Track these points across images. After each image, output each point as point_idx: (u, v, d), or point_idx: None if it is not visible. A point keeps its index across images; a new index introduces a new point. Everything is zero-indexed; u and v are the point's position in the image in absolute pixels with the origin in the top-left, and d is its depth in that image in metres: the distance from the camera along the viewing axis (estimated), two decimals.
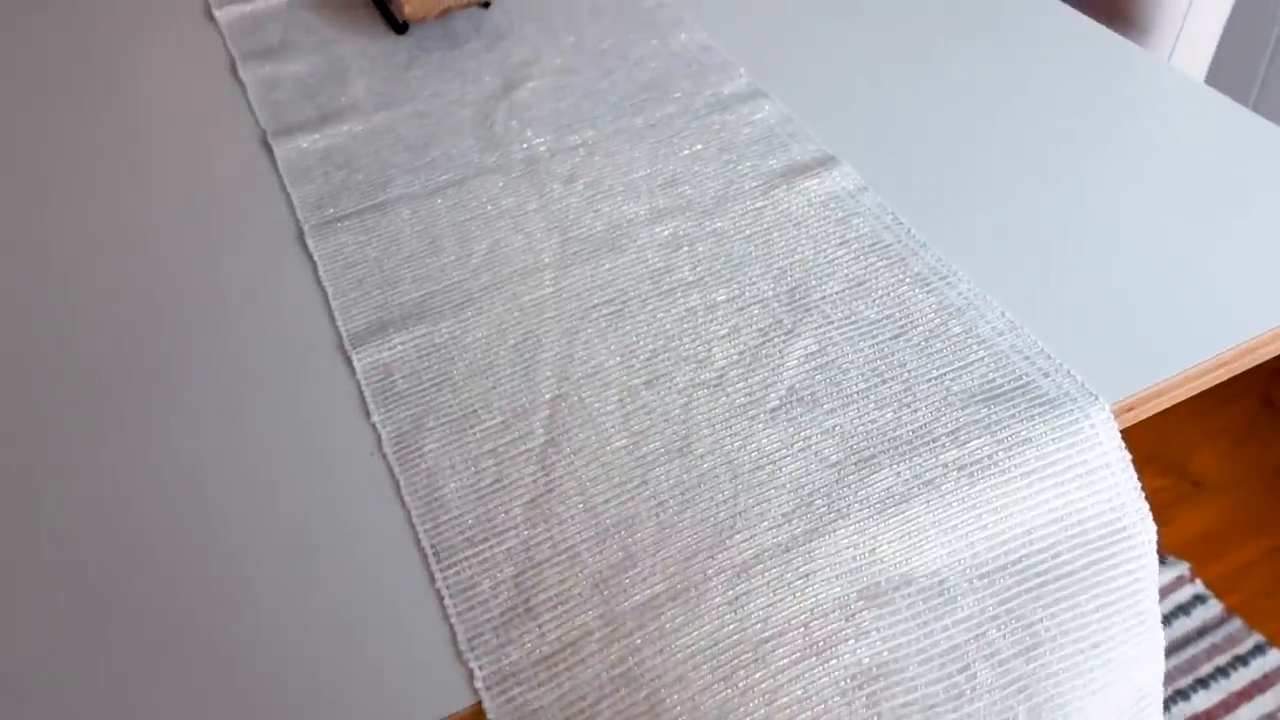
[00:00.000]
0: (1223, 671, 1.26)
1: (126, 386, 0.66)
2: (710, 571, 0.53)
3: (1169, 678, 1.25)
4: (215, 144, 0.84)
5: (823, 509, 0.55)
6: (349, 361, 0.66)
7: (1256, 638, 1.27)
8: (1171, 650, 1.27)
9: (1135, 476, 0.58)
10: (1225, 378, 0.60)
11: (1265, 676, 1.25)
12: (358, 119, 0.84)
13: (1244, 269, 0.64)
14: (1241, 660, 1.26)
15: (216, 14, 0.99)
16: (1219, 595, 1.31)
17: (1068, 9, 0.87)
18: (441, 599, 0.54)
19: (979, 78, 0.82)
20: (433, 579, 0.55)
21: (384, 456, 0.61)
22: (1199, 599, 1.32)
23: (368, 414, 0.63)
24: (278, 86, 0.89)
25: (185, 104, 0.89)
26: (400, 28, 0.92)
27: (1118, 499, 0.58)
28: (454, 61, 0.89)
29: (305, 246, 0.74)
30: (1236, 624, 1.29)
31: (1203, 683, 1.25)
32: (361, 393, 0.64)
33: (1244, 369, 0.60)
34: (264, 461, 0.61)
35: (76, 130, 0.87)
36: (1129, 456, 0.58)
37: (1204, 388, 0.60)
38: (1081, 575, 0.57)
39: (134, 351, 0.68)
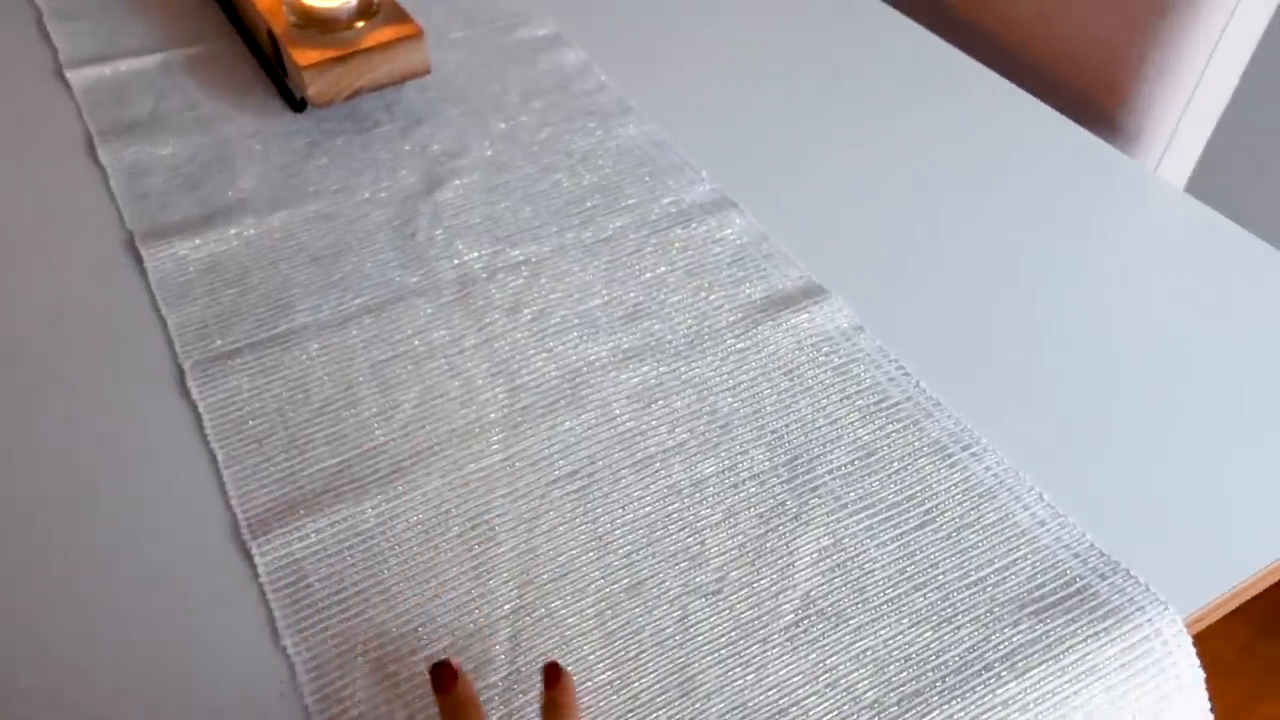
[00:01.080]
0: None
1: None
2: None
3: None
4: (67, 247, 0.69)
5: None
6: (248, 555, 0.52)
7: None
8: None
9: (1207, 698, 0.50)
10: None
11: None
12: (249, 219, 0.70)
13: None
14: None
15: (69, 75, 0.83)
16: None
17: (1060, 117, 0.80)
18: None
19: (973, 193, 0.73)
20: None
21: (300, 698, 0.47)
22: None
23: (277, 637, 0.49)
24: (148, 174, 0.74)
25: (29, 192, 0.73)
26: (298, 105, 0.79)
27: None
28: (363, 149, 0.76)
29: (186, 392, 0.60)
30: None
31: None
32: (268, 605, 0.51)
33: None
34: (151, 694, 0.47)
35: None
36: (1203, 676, 0.49)
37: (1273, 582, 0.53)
38: None
39: None
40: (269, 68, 0.82)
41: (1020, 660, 0.48)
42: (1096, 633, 0.48)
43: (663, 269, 0.67)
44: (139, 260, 0.68)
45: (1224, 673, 1.25)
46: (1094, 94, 0.84)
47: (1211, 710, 0.50)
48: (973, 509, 0.54)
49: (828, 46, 0.87)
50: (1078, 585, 0.50)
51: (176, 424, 0.59)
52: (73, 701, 0.47)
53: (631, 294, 0.65)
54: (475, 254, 0.68)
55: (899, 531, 0.53)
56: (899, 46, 0.88)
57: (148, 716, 0.47)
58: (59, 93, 0.82)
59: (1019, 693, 0.46)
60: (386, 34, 0.74)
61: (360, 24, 0.74)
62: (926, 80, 0.84)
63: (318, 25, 0.74)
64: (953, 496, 0.54)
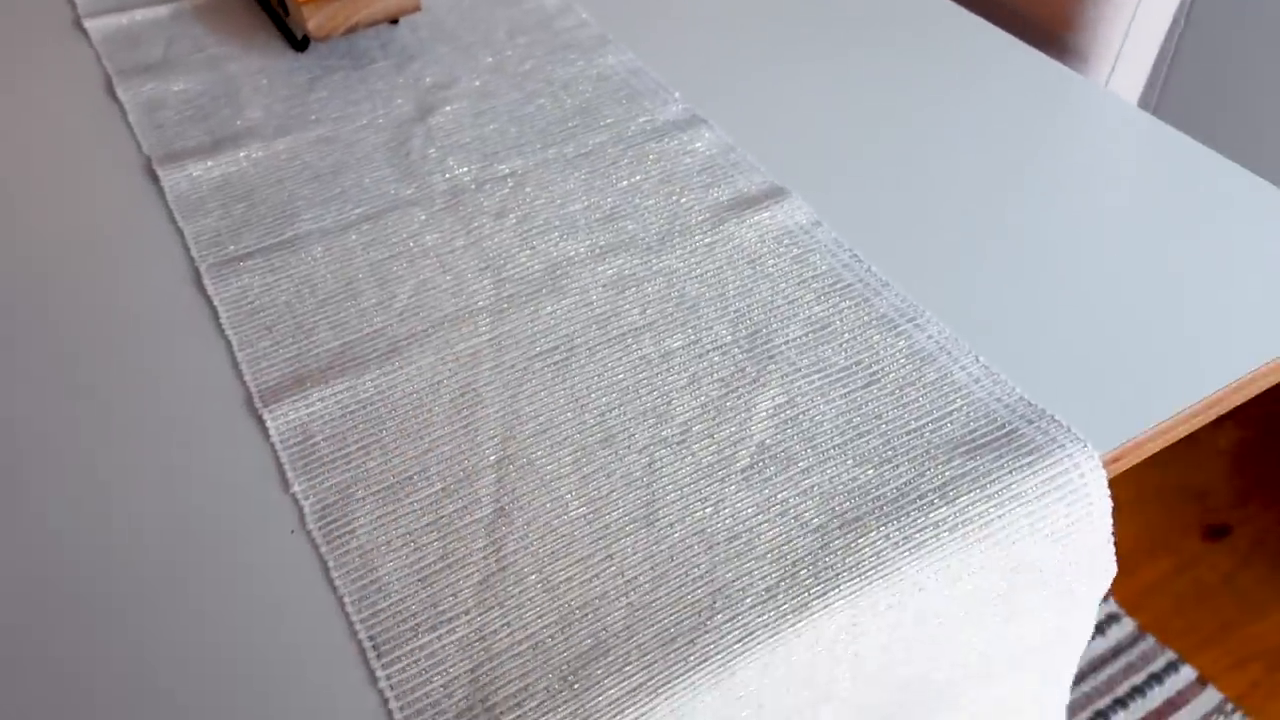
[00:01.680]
0: (1139, 690, 1.26)
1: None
2: (693, 659, 0.47)
3: (1089, 698, 1.25)
4: (91, 174, 0.75)
5: (809, 580, 0.50)
6: (260, 422, 0.58)
7: (1169, 655, 1.28)
8: (1089, 670, 1.27)
9: (1111, 529, 0.55)
10: (1213, 418, 0.58)
11: (1179, 694, 1.26)
12: (256, 144, 0.76)
13: (1222, 302, 0.62)
14: (1157, 678, 1.27)
15: (87, 25, 0.89)
16: (1130, 614, 1.32)
17: (1012, 38, 0.85)
18: (385, 700, 0.47)
19: (926, 108, 0.79)
20: (373, 677, 0.48)
21: (307, 533, 0.53)
22: (1113, 618, 1.33)
23: (286, 484, 0.55)
24: (162, 108, 0.80)
25: (54, 128, 0.79)
26: (300, 44, 0.84)
27: (1091, 551, 0.56)
28: (361, 82, 0.82)
29: (203, 290, 0.66)
30: (1149, 642, 1.30)
31: (1121, 703, 1.25)
32: (278, 459, 0.56)
33: (1229, 408, 0.58)
34: (165, 540, 0.53)
35: None
36: (1110, 507, 0.55)
37: (1187, 432, 0.58)
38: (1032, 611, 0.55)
39: (10, 416, 0.59)
40: (270, 10, 0.88)
41: (951, 490, 0.53)
42: (1020, 466, 0.54)
43: (638, 178, 0.73)
44: (156, 181, 0.74)
45: (1209, 596, 1.32)
46: (1040, 17, 0.89)
47: (1114, 542, 0.55)
48: (914, 370, 0.59)
49: None
50: (1007, 429, 0.56)
51: (196, 316, 0.64)
52: (100, 546, 0.53)
53: (609, 200, 0.71)
54: (465, 169, 0.74)
55: (847, 390, 0.58)
56: None
57: (167, 557, 0.52)
58: (79, 41, 0.88)
59: (949, 515, 0.52)
60: None
61: None
62: (879, 5, 0.89)
63: None
64: (897, 361, 0.60)
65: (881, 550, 0.51)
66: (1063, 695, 0.66)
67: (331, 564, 0.51)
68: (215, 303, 0.65)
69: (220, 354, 0.62)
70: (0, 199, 0.73)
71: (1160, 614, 1.33)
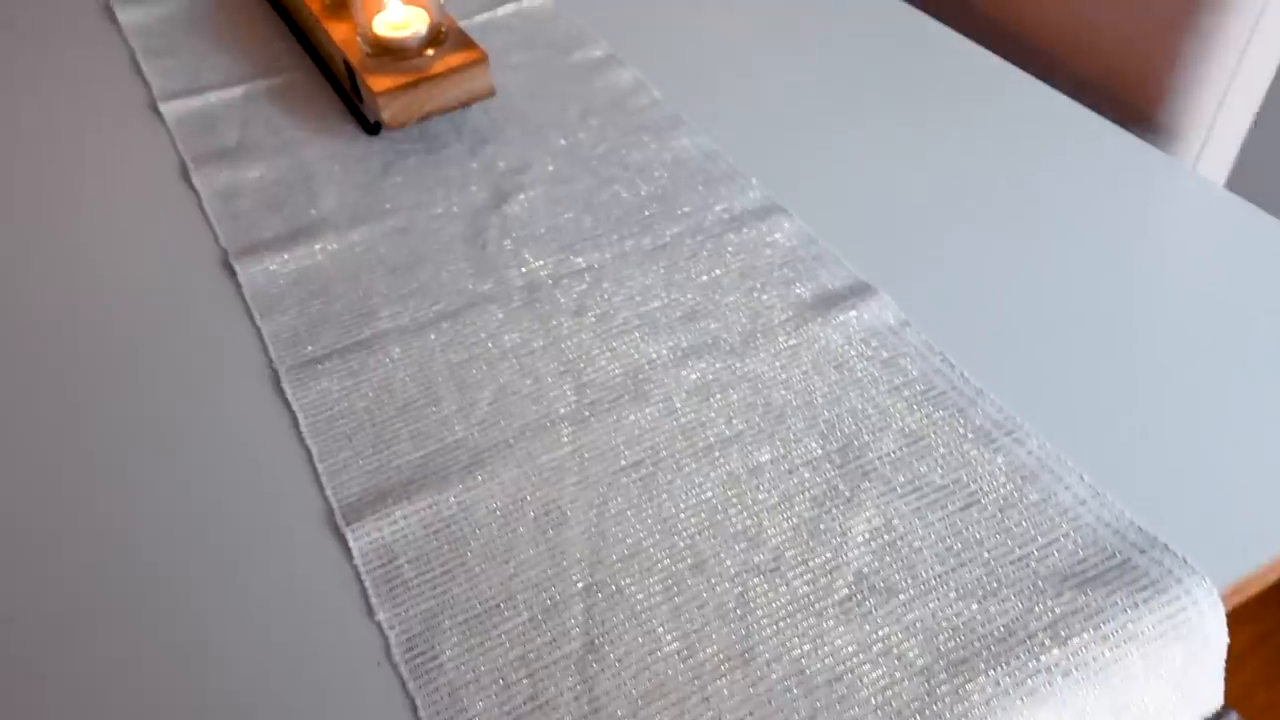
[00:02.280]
0: None
1: (71, 568, 0.56)
2: None
3: None
4: (169, 264, 0.75)
5: None
6: (342, 540, 0.57)
7: None
8: None
9: (1224, 663, 0.52)
10: None
11: None
12: (332, 236, 0.76)
13: None
14: None
15: (162, 109, 0.89)
16: None
17: (1098, 117, 0.82)
18: None
19: (1012, 190, 0.76)
20: None
21: (393, 666, 0.52)
22: None
23: (370, 610, 0.54)
24: (237, 196, 0.80)
25: (131, 215, 0.79)
26: (372, 128, 0.84)
27: (1204, 687, 0.53)
28: (434, 168, 0.81)
29: (281, 393, 0.65)
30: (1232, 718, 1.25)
31: None
32: (361, 582, 0.55)
33: None
34: (244, 667, 0.52)
35: (3, 247, 0.77)
36: (1226, 644, 0.52)
37: None
38: None
39: (83, 525, 0.58)
40: (344, 95, 0.88)
41: (1062, 629, 0.51)
42: (1135, 603, 0.51)
43: (717, 272, 0.71)
44: (233, 275, 0.74)
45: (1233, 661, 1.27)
46: (1127, 92, 0.87)
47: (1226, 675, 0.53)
48: (1016, 490, 0.57)
49: (864, 55, 0.91)
50: (1118, 559, 0.53)
51: (275, 422, 0.64)
52: (178, 674, 0.52)
53: (689, 296, 0.69)
54: (541, 262, 0.73)
55: (946, 512, 0.56)
56: (933, 51, 0.91)
57: (252, 687, 0.51)
58: (154, 124, 0.88)
59: (1060, 659, 0.50)
60: (454, 60, 0.79)
61: (429, 51, 0.80)
62: (961, 83, 0.87)
63: (390, 54, 0.79)
64: (996, 479, 0.57)
65: (991, 697, 0.48)
66: None
67: (420, 702, 0.50)
68: (294, 408, 0.64)
69: (300, 464, 0.61)
70: (80, 289, 0.73)
71: (1247, 686, 1.29)
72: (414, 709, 0.50)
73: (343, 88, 0.88)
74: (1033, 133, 0.82)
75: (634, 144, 0.82)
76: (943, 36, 0.93)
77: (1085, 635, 0.50)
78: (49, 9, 1.04)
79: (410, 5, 0.80)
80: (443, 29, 0.81)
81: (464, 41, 0.81)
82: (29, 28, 1.02)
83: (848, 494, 0.57)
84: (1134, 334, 0.65)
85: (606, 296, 0.70)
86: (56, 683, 0.52)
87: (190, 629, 0.54)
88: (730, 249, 0.73)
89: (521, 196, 0.78)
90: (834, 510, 0.57)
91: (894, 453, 0.59)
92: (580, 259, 0.73)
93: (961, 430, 0.60)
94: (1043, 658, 0.50)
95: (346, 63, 0.81)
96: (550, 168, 0.81)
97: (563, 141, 0.83)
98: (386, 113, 0.78)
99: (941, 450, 0.59)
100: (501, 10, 0.99)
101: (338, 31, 0.83)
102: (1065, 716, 0.49)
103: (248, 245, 0.75)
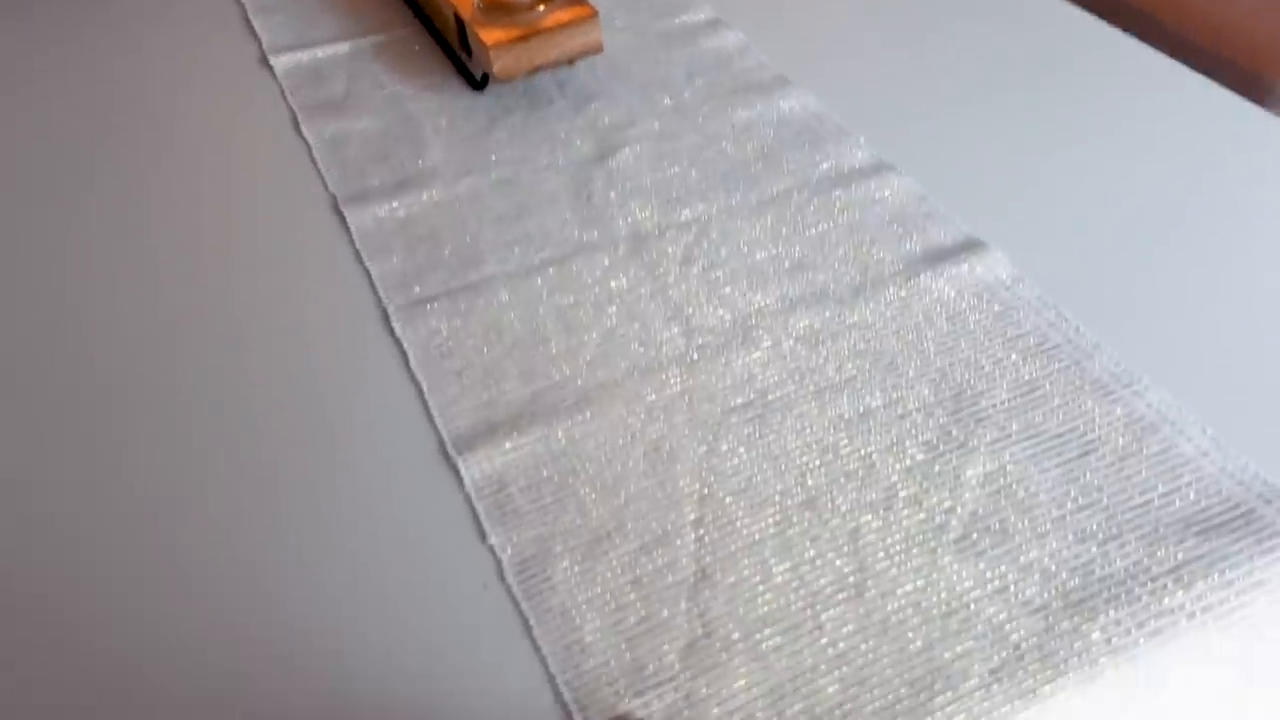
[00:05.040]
0: None
1: (198, 486, 0.58)
2: None
3: None
4: (281, 209, 0.77)
5: (1035, 664, 0.47)
6: (454, 470, 0.58)
7: None
8: None
9: None
10: None
11: None
12: (439, 186, 0.77)
13: None
14: None
15: (273, 61, 0.91)
16: None
17: (1210, 81, 0.81)
18: None
19: (1129, 152, 0.75)
20: None
21: (506, 588, 0.52)
22: None
23: (483, 535, 0.55)
24: (345, 145, 0.82)
25: (244, 162, 0.81)
26: (479, 84, 0.85)
27: None
28: (539, 124, 0.82)
29: (391, 331, 0.66)
30: None
31: None
32: (473, 509, 0.56)
33: None
34: (358, 591, 0.53)
35: (122, 192, 0.79)
36: None
37: None
38: None
39: (196, 449, 0.60)
40: (450, 52, 0.89)
41: (1186, 574, 0.50)
42: (1263, 550, 0.50)
43: (825, 226, 0.71)
44: (343, 220, 0.75)
45: None
46: (1250, 62, 0.85)
47: None
48: (1135, 441, 0.56)
49: (980, 21, 0.90)
50: (1242, 509, 0.52)
51: (385, 359, 0.65)
52: (284, 599, 0.53)
53: (796, 249, 0.69)
54: (647, 214, 0.73)
55: (1062, 459, 0.55)
56: (1045, 17, 0.90)
57: (358, 611, 0.52)
58: (266, 77, 0.90)
59: (1185, 601, 0.49)
60: (564, 15, 0.80)
61: (540, 7, 0.81)
62: (1074, 47, 0.86)
63: (501, 8, 0.80)
64: (1115, 429, 0.56)
65: (1112, 637, 0.48)
66: None
67: (533, 621, 0.51)
68: (404, 345, 0.65)
69: (410, 398, 0.62)
70: (198, 232, 0.75)
71: None
72: (528, 628, 0.51)
73: (449, 44, 0.89)
74: (1146, 96, 0.80)
75: (740, 103, 0.82)
76: (1065, 9, 0.92)
77: (1210, 580, 0.49)
78: None
79: None
80: None
81: None
82: None
83: (961, 439, 0.57)
84: (1257, 291, 0.64)
85: (713, 247, 0.70)
86: (177, 600, 0.53)
87: (306, 554, 0.55)
88: (838, 205, 0.72)
89: (626, 151, 0.79)
90: (947, 454, 0.56)
91: (1008, 402, 0.58)
92: (686, 211, 0.73)
93: (1078, 382, 0.59)
94: (1166, 600, 0.49)
95: (457, 16, 0.82)
96: (655, 125, 0.81)
97: (667, 100, 0.84)
98: (497, 65, 0.79)
99: (1057, 400, 0.58)
100: None
101: None
102: (1190, 659, 0.48)
103: (356, 192, 0.77)
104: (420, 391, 0.63)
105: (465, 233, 0.73)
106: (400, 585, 0.53)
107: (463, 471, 0.57)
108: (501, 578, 0.53)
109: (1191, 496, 0.53)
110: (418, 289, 0.69)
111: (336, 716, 0.48)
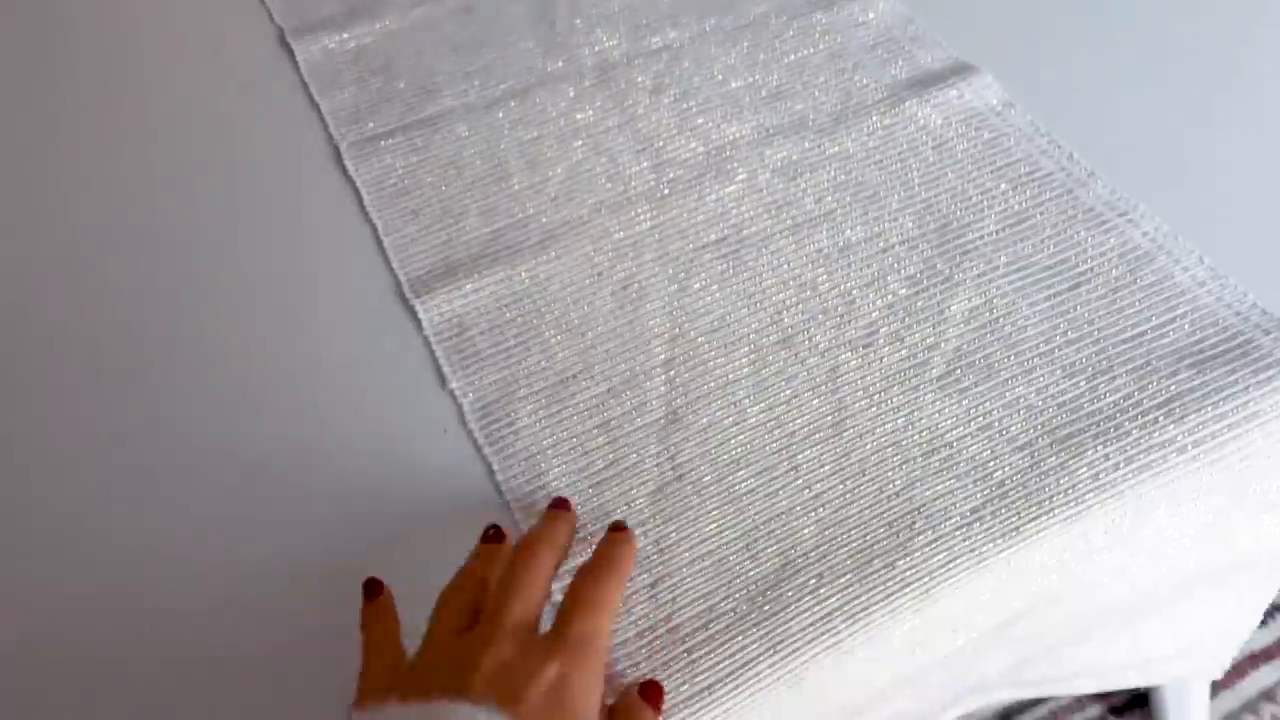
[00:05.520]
0: None
1: (133, 347, 0.54)
2: (892, 584, 0.43)
3: None
4: (223, 44, 0.71)
5: (1020, 501, 0.45)
6: (412, 313, 0.55)
7: None
8: None
9: None
10: None
11: None
12: (392, 14, 0.71)
13: None
14: None
15: None
16: None
17: None
18: None
19: None
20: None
21: (468, 433, 0.50)
22: None
23: (443, 380, 0.52)
24: None
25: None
26: None
27: None
28: None
29: (344, 169, 0.62)
30: None
31: None
32: (432, 353, 0.53)
33: None
34: (317, 443, 0.50)
35: (62, 28, 0.73)
36: None
37: None
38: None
39: (140, 311, 0.57)
40: None
41: (1178, 407, 0.47)
42: (1259, 381, 0.48)
43: (806, 52, 0.66)
44: (290, 53, 0.70)
45: None
46: None
47: None
48: (1129, 271, 0.53)
49: None
50: (1240, 340, 0.50)
51: (337, 200, 0.61)
52: (241, 444, 0.51)
53: (774, 77, 0.65)
54: (615, 41, 0.68)
55: (1052, 292, 0.52)
56: None
57: (319, 462, 0.50)
58: None
59: (1176, 435, 0.46)
60: None
61: None
62: None
63: None
64: (1108, 260, 0.53)
65: (1100, 472, 0.46)
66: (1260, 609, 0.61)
67: (496, 466, 0.48)
68: (357, 184, 0.61)
69: (365, 240, 0.59)
70: (132, 71, 0.70)
71: None
72: (491, 473, 0.48)
73: None
74: None
75: None
76: None
77: (1203, 413, 0.47)
78: None
79: None
80: None
81: None
82: None
83: (946, 272, 0.54)
84: (1258, 116, 0.60)
85: (685, 76, 0.65)
86: (126, 433, 0.51)
87: (262, 401, 0.52)
88: (819, 29, 0.68)
89: None
90: (931, 288, 0.53)
91: (996, 233, 0.55)
92: (657, 38, 0.68)
93: (1070, 212, 0.56)
94: (1156, 435, 0.47)
95: None
96: None
97: None
98: None
99: (1048, 231, 0.55)
100: None
101: None
102: (1180, 495, 0.46)
103: (304, 23, 0.71)
104: (375, 232, 0.59)
105: (421, 64, 0.68)
106: (358, 432, 0.50)
107: (421, 315, 0.54)
108: (463, 423, 0.50)
109: (1187, 328, 0.50)
110: (371, 125, 0.64)
111: (297, 564, 0.46)
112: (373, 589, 0.42)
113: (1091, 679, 0.63)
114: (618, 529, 0.44)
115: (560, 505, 0.45)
